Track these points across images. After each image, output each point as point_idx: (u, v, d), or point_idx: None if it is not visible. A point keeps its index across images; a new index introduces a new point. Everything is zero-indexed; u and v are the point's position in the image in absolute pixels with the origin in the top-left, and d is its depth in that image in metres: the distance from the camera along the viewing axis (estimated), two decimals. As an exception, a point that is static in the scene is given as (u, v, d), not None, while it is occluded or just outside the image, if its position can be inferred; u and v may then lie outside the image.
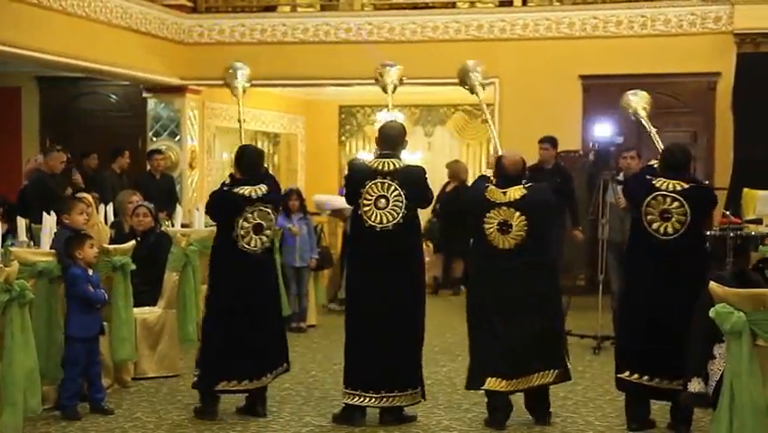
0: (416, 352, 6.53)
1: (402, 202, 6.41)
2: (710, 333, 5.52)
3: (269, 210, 6.61)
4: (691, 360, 6.24)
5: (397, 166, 6.49)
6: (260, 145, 15.77)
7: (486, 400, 6.46)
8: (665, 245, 6.30)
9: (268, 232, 6.61)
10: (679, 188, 6.28)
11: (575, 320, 9.75)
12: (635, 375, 6.31)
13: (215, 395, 6.60)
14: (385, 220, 6.43)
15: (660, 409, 6.38)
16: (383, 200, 6.44)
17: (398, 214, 6.41)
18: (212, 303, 6.70)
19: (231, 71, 7.76)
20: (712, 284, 4.59)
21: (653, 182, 6.37)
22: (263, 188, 6.58)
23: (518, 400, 6.49)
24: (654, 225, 6.32)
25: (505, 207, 6.39)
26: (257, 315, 6.57)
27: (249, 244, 6.55)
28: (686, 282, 6.17)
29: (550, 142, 10.37)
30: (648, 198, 6.34)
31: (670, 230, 6.26)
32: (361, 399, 6.42)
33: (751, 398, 4.30)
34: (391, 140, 6.65)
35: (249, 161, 6.77)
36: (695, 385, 6.17)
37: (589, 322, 9.34)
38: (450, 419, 6.57)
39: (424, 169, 6.71)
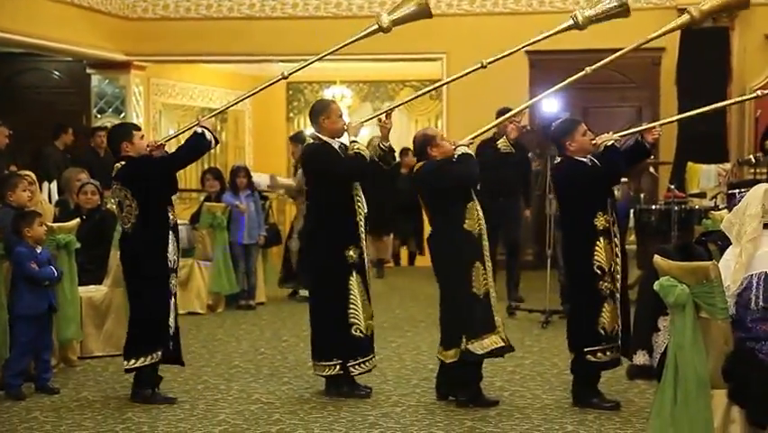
0: (320, 327, 6.52)
1: (303, 179, 6.45)
2: (655, 306, 5.59)
3: (119, 187, 6.44)
4: (636, 333, 6.32)
5: (306, 143, 6.53)
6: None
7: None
8: (556, 220, 6.44)
9: (129, 209, 6.39)
10: (555, 162, 6.34)
11: (523, 294, 9.84)
12: None
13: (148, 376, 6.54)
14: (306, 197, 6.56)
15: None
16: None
17: (305, 190, 6.47)
18: None
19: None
20: (656, 258, 4.63)
21: None
22: (118, 165, 6.47)
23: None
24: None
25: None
26: (133, 295, 6.49)
27: (122, 221, 6.51)
28: (565, 260, 6.30)
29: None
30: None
31: (555, 205, 6.34)
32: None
33: (695, 370, 4.35)
34: (311, 116, 6.67)
35: (108, 142, 6.83)
36: (640, 358, 6.24)
37: (537, 296, 9.42)
38: (399, 395, 6.58)
39: (322, 144, 6.45)
